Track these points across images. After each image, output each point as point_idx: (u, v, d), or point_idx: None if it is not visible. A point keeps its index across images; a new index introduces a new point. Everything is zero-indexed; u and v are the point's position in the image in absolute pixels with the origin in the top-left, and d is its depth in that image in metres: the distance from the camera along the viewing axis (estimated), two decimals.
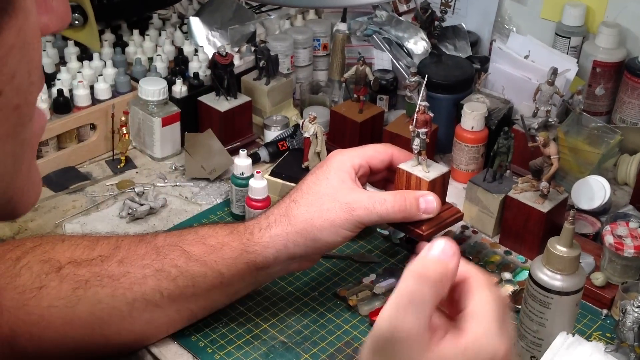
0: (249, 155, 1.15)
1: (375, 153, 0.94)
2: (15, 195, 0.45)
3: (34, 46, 0.40)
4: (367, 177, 0.95)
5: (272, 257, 0.87)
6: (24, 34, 0.39)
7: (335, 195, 0.88)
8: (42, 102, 1.19)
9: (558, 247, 0.82)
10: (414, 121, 0.94)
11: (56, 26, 0.44)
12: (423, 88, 0.96)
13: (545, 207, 1.02)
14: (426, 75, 0.99)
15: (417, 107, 0.94)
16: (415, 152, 0.93)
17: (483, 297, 0.59)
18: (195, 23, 1.46)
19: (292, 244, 0.87)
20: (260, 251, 0.87)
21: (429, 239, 0.96)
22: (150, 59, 1.40)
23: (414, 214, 0.90)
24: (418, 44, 1.39)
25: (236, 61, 1.30)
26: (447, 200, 0.98)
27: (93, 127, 1.27)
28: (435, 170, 0.94)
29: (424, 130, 0.93)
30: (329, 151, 1.13)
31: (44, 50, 1.35)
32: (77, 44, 1.36)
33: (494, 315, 0.58)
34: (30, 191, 0.47)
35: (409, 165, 0.94)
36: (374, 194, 0.89)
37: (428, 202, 0.91)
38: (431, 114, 0.94)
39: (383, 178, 0.98)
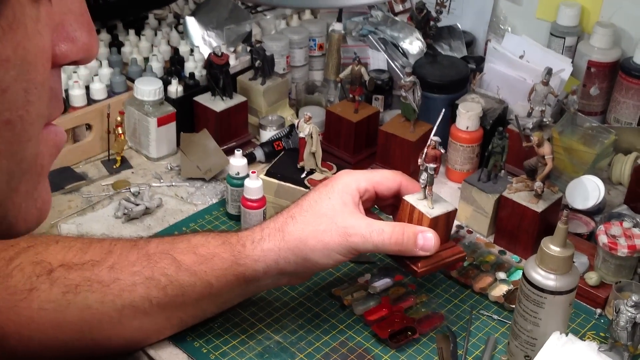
0: (245, 155, 1.15)
1: (384, 179, 0.92)
2: (10, 213, 0.44)
3: (37, 67, 0.40)
4: (373, 202, 0.93)
5: (262, 271, 0.86)
6: (24, 52, 0.39)
7: (334, 218, 0.86)
8: None
9: (551, 247, 0.83)
10: (424, 155, 0.90)
11: (77, 56, 0.44)
12: (437, 122, 0.91)
13: (539, 206, 1.03)
14: (442, 111, 0.93)
15: (429, 141, 0.90)
16: (422, 186, 0.90)
17: None
18: (191, 23, 1.47)
19: (283, 260, 0.86)
20: (250, 264, 0.86)
21: (423, 276, 0.95)
22: (146, 59, 1.40)
23: (411, 250, 0.87)
24: (413, 44, 1.39)
25: (232, 61, 1.30)
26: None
27: (89, 127, 1.27)
28: (441, 207, 0.91)
29: (432, 165, 0.90)
30: (324, 151, 1.13)
31: None
32: None
33: None
34: (31, 213, 0.45)
35: (415, 198, 0.91)
36: (373, 223, 0.87)
37: (427, 239, 0.88)
38: (442, 150, 0.90)
39: (390, 205, 0.96)
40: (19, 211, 0.44)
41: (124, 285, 0.83)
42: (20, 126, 0.41)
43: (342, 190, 0.88)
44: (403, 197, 0.92)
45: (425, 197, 0.91)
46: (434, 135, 0.90)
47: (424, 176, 0.90)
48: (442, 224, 0.91)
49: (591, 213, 1.11)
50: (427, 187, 0.90)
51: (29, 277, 0.81)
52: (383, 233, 0.86)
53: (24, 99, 0.40)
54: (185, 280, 0.85)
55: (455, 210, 0.93)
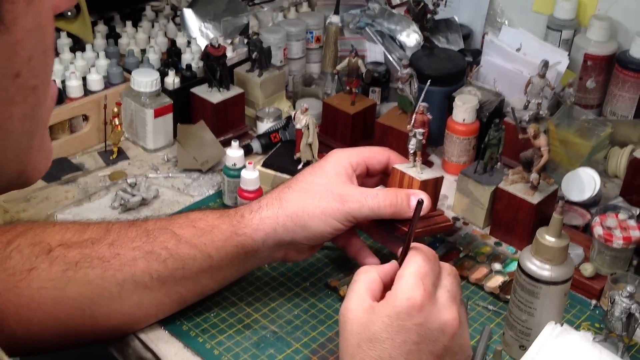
0: (242, 147, 1.15)
1: (373, 154, 0.95)
2: (27, 167, 0.49)
3: (48, 29, 0.43)
4: (363, 177, 0.96)
5: (261, 240, 0.88)
6: (40, 18, 0.42)
7: (329, 186, 0.89)
8: None
9: (547, 237, 0.83)
10: (412, 121, 0.94)
11: (65, 5, 0.47)
12: (424, 89, 0.95)
13: (535, 198, 1.03)
14: (428, 82, 0.96)
15: (417, 107, 0.94)
16: (411, 152, 0.93)
17: (409, 259, 0.75)
18: (189, 15, 1.46)
19: (282, 228, 0.87)
20: (249, 234, 0.87)
21: (415, 239, 0.97)
22: (143, 51, 1.40)
23: (405, 211, 0.90)
24: (410, 37, 1.39)
25: (229, 53, 1.30)
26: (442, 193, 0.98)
27: (85, 118, 1.27)
28: (429, 173, 0.95)
29: (421, 130, 0.93)
30: (320, 143, 1.13)
31: None
32: (69, 35, 1.36)
33: (412, 272, 0.72)
34: (42, 163, 0.51)
35: (404, 167, 0.95)
36: (366, 189, 0.90)
37: None
38: (430, 116, 0.94)
39: (379, 182, 0.99)
40: (35, 164, 0.50)
41: (124, 260, 0.84)
42: (42, 89, 0.44)
43: (335, 164, 0.91)
44: (393, 166, 0.95)
45: (414, 165, 0.94)
46: (421, 101, 0.94)
47: (412, 142, 0.93)
48: (431, 188, 0.94)
49: (587, 205, 1.11)
50: (417, 153, 0.93)
51: (28, 258, 0.81)
52: (377, 197, 0.89)
53: (43, 63, 0.43)
54: (185, 253, 0.85)
55: (443, 178, 0.96)
